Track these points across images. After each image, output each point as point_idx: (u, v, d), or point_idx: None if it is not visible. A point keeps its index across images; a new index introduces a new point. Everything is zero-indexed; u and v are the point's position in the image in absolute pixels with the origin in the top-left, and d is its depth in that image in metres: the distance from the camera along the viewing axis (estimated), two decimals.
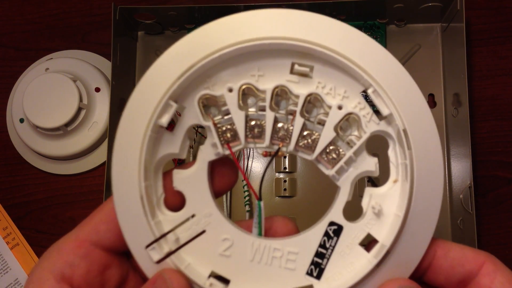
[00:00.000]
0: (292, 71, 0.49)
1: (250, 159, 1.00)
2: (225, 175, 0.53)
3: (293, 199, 1.00)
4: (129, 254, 0.49)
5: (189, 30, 0.99)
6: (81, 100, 0.97)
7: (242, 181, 0.99)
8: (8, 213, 1.03)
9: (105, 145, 1.03)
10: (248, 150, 1.00)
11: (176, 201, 0.51)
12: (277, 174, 1.00)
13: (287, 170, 0.99)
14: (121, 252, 0.51)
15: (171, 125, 0.49)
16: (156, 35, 1.05)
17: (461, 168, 0.93)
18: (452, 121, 0.97)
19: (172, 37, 1.04)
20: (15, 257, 1.01)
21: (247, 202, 0.98)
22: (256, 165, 1.00)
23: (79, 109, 0.98)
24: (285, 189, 0.99)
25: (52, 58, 1.04)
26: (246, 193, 0.98)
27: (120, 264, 0.52)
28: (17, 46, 1.07)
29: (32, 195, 1.04)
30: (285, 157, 0.98)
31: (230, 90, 0.48)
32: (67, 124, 0.97)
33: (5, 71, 1.06)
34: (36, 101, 0.96)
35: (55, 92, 0.96)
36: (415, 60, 1.01)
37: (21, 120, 1.00)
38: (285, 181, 0.99)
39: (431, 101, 0.97)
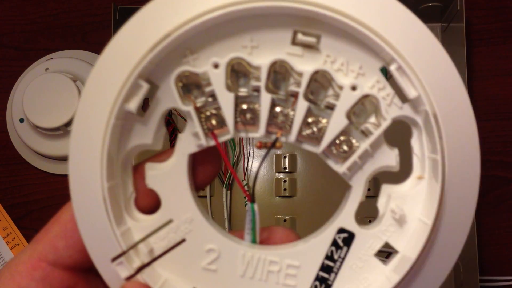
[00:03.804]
0: (294, 42, 0.35)
1: (250, 159, 0.89)
2: (208, 164, 0.40)
3: (293, 199, 0.88)
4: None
5: None
6: None
7: (243, 180, 0.88)
8: (8, 213, 0.94)
9: None
10: (248, 150, 0.88)
11: (149, 202, 0.39)
12: (277, 174, 0.89)
13: (287, 170, 0.88)
14: (88, 269, 0.39)
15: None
16: None
17: None
18: None
19: None
20: None
21: (247, 202, 0.83)
22: (256, 165, 0.89)
23: None
24: (285, 189, 0.87)
25: (52, 58, 0.95)
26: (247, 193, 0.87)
27: (87, 283, 0.40)
28: (17, 46, 0.98)
29: (32, 195, 0.95)
30: (285, 157, 0.88)
31: (216, 65, 0.35)
32: (67, 124, 0.88)
33: (5, 71, 0.97)
34: (36, 101, 0.87)
35: (55, 92, 0.87)
36: None
37: (21, 120, 0.92)
38: (285, 181, 0.88)
39: None
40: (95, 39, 0.97)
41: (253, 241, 0.38)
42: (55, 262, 0.37)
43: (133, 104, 0.35)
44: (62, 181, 0.94)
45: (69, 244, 0.37)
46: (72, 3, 0.97)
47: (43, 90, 0.87)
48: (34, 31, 0.97)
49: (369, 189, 0.81)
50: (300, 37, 0.34)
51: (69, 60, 0.93)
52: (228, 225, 0.86)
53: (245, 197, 0.87)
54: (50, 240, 0.38)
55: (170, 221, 0.37)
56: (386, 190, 0.38)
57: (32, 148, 0.92)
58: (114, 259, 0.35)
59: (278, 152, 0.86)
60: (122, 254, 0.35)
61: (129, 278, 0.36)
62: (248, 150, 0.89)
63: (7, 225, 0.92)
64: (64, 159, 0.93)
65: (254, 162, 0.88)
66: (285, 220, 0.87)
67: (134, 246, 0.36)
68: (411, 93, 0.34)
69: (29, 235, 0.93)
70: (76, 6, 0.97)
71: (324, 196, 0.87)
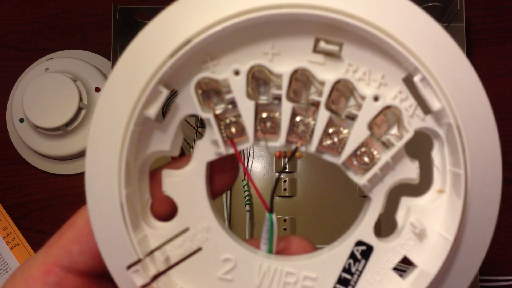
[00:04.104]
0: (316, 49, 0.34)
1: (250, 159, 0.88)
2: (226, 172, 0.39)
3: (293, 199, 0.87)
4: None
5: None
6: (81, 100, 0.88)
7: (243, 180, 0.86)
8: (8, 213, 0.93)
9: None
10: (248, 149, 0.87)
11: (166, 209, 0.38)
12: (277, 174, 0.88)
13: (287, 170, 0.87)
14: (101, 274, 0.38)
15: None
16: None
17: None
18: None
19: None
20: (15, 257, 0.91)
21: (248, 202, 0.86)
22: (256, 165, 0.88)
23: (79, 109, 0.88)
24: (285, 189, 0.86)
25: (52, 58, 0.94)
26: (247, 193, 0.86)
27: None
28: (17, 46, 0.97)
29: (32, 195, 0.94)
30: (285, 157, 0.81)
31: (237, 72, 0.33)
32: (67, 124, 0.88)
33: (5, 71, 0.96)
34: (36, 101, 0.87)
35: (55, 92, 0.87)
36: None
37: (21, 120, 0.91)
38: (285, 181, 0.86)
39: None
40: (95, 39, 0.96)
41: (270, 251, 0.37)
42: (69, 267, 0.36)
43: (153, 110, 0.33)
44: (62, 181, 0.93)
45: (84, 249, 0.36)
46: (72, 3, 0.96)
47: (43, 90, 0.86)
48: (34, 31, 0.96)
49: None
50: (322, 45, 0.33)
51: (69, 60, 0.92)
52: (228, 225, 0.85)
53: (245, 197, 0.85)
54: (64, 244, 0.37)
55: (186, 229, 0.36)
56: (406, 202, 0.36)
57: (32, 148, 0.91)
58: (129, 266, 0.34)
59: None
60: (138, 261, 0.34)
61: (144, 286, 0.35)
62: (248, 150, 0.88)
63: (7, 225, 0.92)
64: (64, 159, 0.92)
65: (254, 162, 0.87)
66: (285, 220, 0.86)
67: (150, 253, 0.35)
68: (435, 105, 0.33)
69: (29, 235, 0.92)
70: (76, 6, 0.96)
71: (324, 196, 0.86)
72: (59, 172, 0.93)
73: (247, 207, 0.85)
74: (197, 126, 0.83)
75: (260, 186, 0.87)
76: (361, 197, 0.82)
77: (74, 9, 0.96)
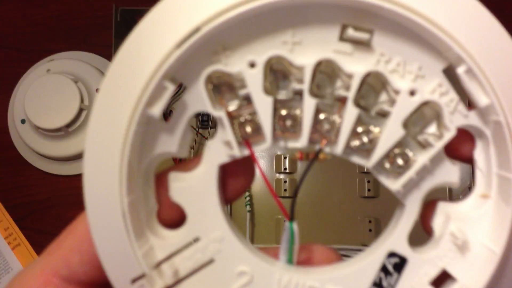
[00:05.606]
0: (342, 37, 0.28)
1: None
2: (240, 176, 0.33)
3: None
4: None
5: None
6: (82, 101, 0.85)
7: None
8: (10, 213, 0.89)
9: None
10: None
11: (174, 215, 0.32)
12: (277, 174, 0.83)
13: (287, 170, 0.82)
14: (104, 285, 0.32)
15: None
16: None
17: (461, 168, 0.75)
18: None
19: None
20: (17, 258, 0.87)
21: (248, 203, 0.81)
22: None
23: (80, 110, 0.85)
24: (285, 190, 0.81)
25: (53, 60, 0.91)
26: (247, 193, 0.81)
27: None
28: (19, 48, 0.93)
29: (34, 195, 0.90)
30: (285, 157, 0.82)
31: (252, 65, 0.28)
32: (68, 125, 0.84)
33: (7, 72, 0.92)
34: (37, 102, 0.83)
35: (56, 93, 0.83)
36: None
37: (23, 121, 0.87)
38: (285, 181, 0.81)
39: None
40: (96, 40, 0.92)
41: (290, 261, 0.32)
42: (69, 278, 0.32)
43: (157, 109, 0.28)
44: (63, 181, 0.90)
45: (84, 259, 0.31)
46: (73, 5, 0.93)
47: (44, 91, 0.83)
48: (36, 32, 0.93)
49: (369, 190, 0.76)
50: (350, 32, 0.28)
51: (71, 62, 0.89)
52: None
53: (245, 197, 0.81)
54: (64, 254, 0.32)
55: (196, 240, 0.31)
56: (444, 208, 0.31)
57: (33, 149, 0.88)
58: (134, 280, 0.29)
59: (279, 152, 0.80)
60: (143, 276, 0.29)
61: None
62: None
63: (8, 225, 0.88)
64: (65, 159, 0.89)
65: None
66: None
67: (156, 266, 0.30)
68: (482, 100, 0.27)
69: (30, 236, 0.89)
70: (78, 7, 0.93)
71: (324, 197, 0.82)
72: (60, 172, 0.90)
73: (248, 208, 0.81)
74: (197, 126, 0.79)
75: (260, 188, 0.82)
76: (361, 198, 0.77)
77: (76, 10, 0.93)
